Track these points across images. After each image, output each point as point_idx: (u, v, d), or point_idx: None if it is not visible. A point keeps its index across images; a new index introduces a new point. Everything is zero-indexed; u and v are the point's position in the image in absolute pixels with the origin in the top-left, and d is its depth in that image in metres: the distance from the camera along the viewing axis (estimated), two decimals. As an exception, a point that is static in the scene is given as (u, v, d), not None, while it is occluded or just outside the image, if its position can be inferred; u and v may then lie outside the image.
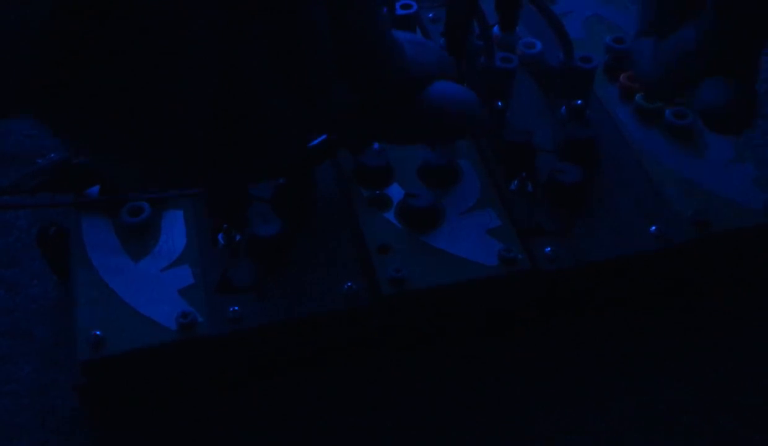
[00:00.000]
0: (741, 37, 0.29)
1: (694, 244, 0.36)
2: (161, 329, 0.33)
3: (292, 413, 0.35)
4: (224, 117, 0.20)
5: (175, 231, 0.37)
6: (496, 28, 0.45)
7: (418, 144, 0.34)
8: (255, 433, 0.34)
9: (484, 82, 0.39)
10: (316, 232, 0.37)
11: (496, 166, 0.39)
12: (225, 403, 0.35)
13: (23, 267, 0.40)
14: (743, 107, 0.30)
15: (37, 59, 0.16)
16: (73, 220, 0.37)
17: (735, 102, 0.30)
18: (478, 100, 0.23)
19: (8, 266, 0.40)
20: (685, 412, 0.35)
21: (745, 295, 0.39)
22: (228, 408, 0.35)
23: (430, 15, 0.47)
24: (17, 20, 0.15)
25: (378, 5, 0.21)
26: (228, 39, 0.18)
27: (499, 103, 0.40)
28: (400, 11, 0.42)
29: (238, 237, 0.36)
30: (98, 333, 0.32)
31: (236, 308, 0.34)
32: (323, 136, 0.37)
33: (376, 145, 0.40)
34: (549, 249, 0.36)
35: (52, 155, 0.37)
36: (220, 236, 0.36)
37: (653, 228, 0.37)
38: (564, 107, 0.42)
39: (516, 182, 0.39)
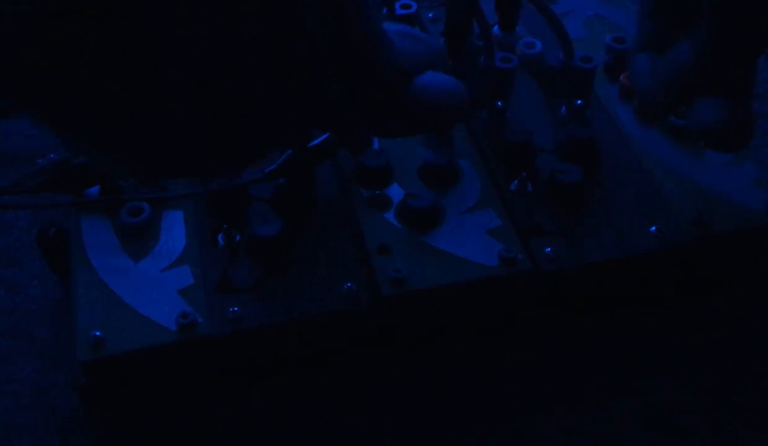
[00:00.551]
0: (734, 53, 0.29)
1: (694, 244, 0.36)
2: (161, 329, 0.33)
3: (292, 413, 0.35)
4: (221, 113, 0.20)
5: (175, 231, 0.37)
6: (496, 28, 0.45)
7: (411, 136, 0.34)
8: (255, 433, 0.34)
9: (484, 81, 0.39)
10: (316, 232, 0.37)
11: (496, 166, 0.39)
12: (225, 403, 0.35)
13: (23, 267, 0.40)
14: (741, 127, 0.30)
15: (27, 43, 0.16)
16: (73, 220, 0.37)
17: (733, 122, 0.30)
18: (464, 90, 0.23)
19: (8, 266, 0.40)
20: (685, 412, 0.35)
21: (745, 295, 0.39)
22: (228, 408, 0.35)
23: (430, 15, 0.47)
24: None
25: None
26: (226, 38, 0.19)
27: (499, 103, 0.40)
28: (400, 11, 0.42)
29: (238, 238, 0.36)
30: (98, 333, 0.32)
31: (236, 308, 0.34)
32: (323, 136, 0.37)
33: (376, 145, 0.40)
34: (549, 249, 0.36)
35: (52, 155, 0.37)
36: (220, 236, 0.36)
37: (653, 228, 0.37)
38: (564, 107, 0.42)
39: (516, 182, 0.39)
